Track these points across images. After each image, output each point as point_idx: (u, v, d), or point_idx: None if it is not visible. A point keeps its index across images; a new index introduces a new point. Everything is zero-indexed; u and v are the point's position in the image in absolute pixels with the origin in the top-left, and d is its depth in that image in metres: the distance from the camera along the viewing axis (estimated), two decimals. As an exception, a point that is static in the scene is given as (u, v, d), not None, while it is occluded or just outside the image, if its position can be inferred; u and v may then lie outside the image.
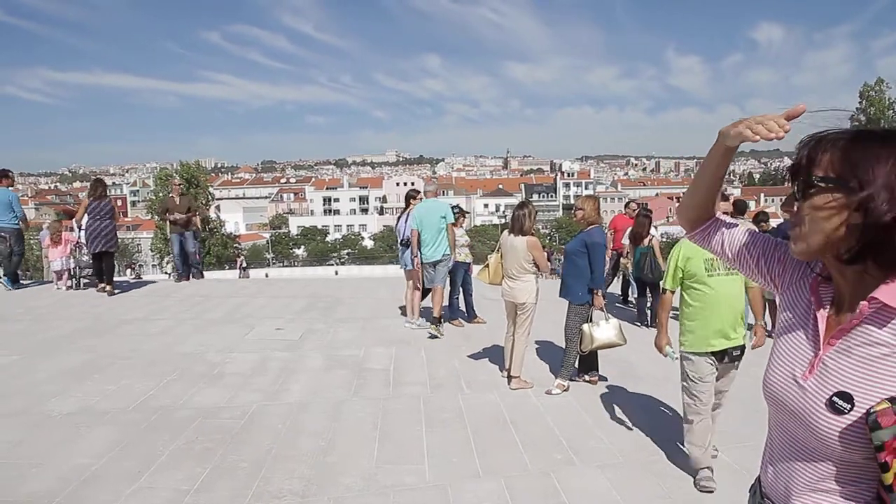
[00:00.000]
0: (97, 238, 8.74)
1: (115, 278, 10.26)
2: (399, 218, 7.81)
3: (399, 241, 7.65)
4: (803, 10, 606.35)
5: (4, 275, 9.32)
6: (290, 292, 9.70)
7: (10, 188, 9.18)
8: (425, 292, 7.28)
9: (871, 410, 0.94)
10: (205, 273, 12.42)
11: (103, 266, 9.10)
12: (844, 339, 1.05)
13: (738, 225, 1.37)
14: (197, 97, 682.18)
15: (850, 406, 0.99)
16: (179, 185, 11.15)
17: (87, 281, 9.47)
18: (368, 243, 66.61)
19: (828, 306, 1.12)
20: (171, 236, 10.79)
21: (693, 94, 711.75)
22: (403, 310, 7.71)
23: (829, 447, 1.02)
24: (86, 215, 8.82)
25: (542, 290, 5.35)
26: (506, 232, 5.36)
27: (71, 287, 9.50)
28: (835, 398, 1.01)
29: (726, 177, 1.34)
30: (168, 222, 10.69)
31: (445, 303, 7.39)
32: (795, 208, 1.08)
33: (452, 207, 7.54)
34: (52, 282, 10.36)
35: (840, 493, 1.04)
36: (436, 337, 6.64)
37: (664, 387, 5.25)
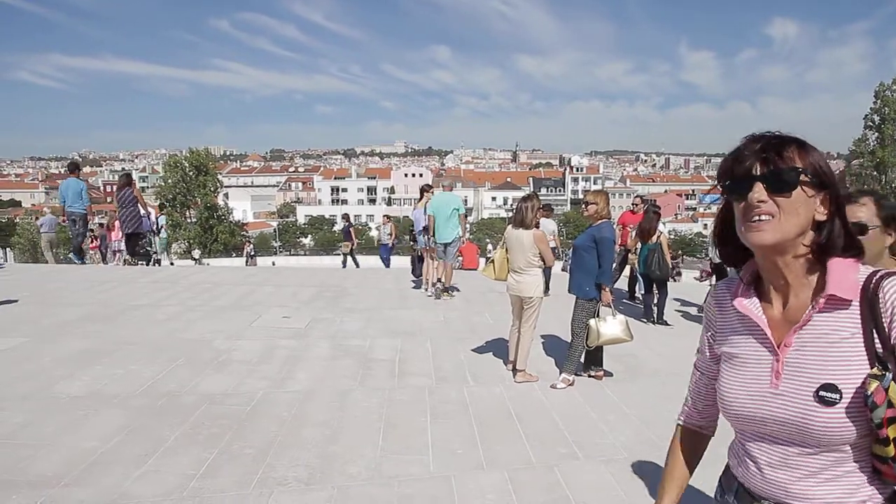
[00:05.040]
0: (125, 222, 10.86)
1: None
2: (417, 209, 9.33)
3: (415, 229, 9.49)
4: (819, 6, 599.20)
5: (72, 251, 11.35)
6: (297, 281, 9.74)
7: (79, 179, 10.87)
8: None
9: (868, 393, 0.97)
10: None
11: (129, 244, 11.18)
12: (800, 335, 1.07)
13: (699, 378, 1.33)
14: (206, 85, 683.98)
15: (838, 395, 1.01)
16: None
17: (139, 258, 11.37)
18: (376, 234, 66.65)
19: (759, 311, 1.14)
20: None
21: (705, 89, 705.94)
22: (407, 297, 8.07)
23: (826, 439, 1.04)
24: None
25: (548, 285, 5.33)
26: (510, 226, 5.33)
27: (128, 262, 11.37)
28: (822, 392, 1.03)
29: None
30: None
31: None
32: (755, 197, 1.05)
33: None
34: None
35: (840, 478, 1.06)
36: (447, 300, 8.29)
37: (669, 383, 5.23)
